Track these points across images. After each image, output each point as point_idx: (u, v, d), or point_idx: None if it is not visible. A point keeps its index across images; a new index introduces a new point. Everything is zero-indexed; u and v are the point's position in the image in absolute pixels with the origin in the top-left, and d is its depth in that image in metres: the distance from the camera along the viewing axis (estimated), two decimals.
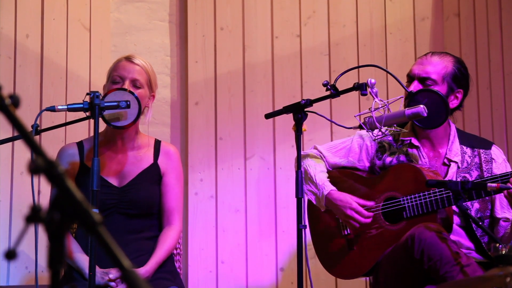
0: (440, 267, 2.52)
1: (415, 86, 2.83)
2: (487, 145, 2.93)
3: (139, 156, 2.92)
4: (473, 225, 2.80)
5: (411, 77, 2.88)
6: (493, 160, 2.88)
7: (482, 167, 2.86)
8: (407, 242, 2.60)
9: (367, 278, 3.44)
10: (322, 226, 3.04)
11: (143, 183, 2.88)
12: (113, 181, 2.87)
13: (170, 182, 2.93)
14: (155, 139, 3.01)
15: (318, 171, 2.96)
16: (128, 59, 2.89)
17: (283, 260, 3.97)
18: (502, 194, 2.68)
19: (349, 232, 2.94)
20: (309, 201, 3.04)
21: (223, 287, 3.92)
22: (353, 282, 3.82)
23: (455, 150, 2.89)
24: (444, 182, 2.56)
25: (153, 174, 2.91)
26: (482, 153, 2.89)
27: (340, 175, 3.01)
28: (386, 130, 2.76)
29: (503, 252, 1.88)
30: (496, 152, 2.91)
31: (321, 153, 3.05)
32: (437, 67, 2.85)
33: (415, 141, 2.91)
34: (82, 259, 2.75)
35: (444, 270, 2.52)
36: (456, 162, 2.87)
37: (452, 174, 2.85)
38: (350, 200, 2.87)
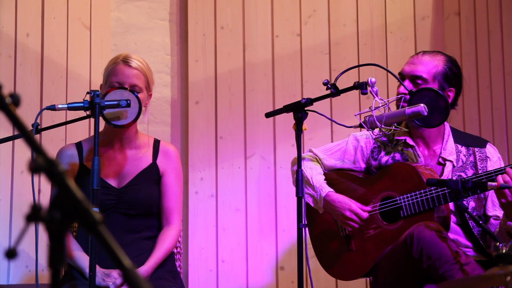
0: (440, 266, 2.52)
1: (406, 85, 2.84)
2: (482, 143, 2.94)
3: (138, 156, 2.91)
4: (470, 223, 2.81)
5: (402, 76, 2.89)
6: (488, 159, 2.89)
7: (477, 166, 2.87)
8: (406, 241, 2.60)
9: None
10: (321, 228, 3.04)
11: (141, 183, 2.87)
12: (112, 182, 2.86)
13: (169, 182, 2.92)
14: (155, 138, 3.00)
15: (315, 173, 2.96)
16: (125, 62, 2.83)
17: (283, 259, 3.97)
18: (494, 192, 2.69)
19: (347, 233, 2.94)
20: (307, 203, 3.03)
21: (224, 286, 3.92)
22: (353, 281, 3.82)
23: (450, 149, 2.89)
24: (444, 181, 2.56)
25: (152, 174, 2.90)
26: (477, 151, 2.89)
27: (337, 177, 3.02)
28: (388, 130, 2.76)
29: (503, 251, 1.88)
30: (490, 150, 2.92)
31: (316, 156, 3.05)
32: (428, 66, 2.86)
33: (409, 141, 2.92)
34: (83, 259, 2.75)
35: (443, 269, 2.52)
36: (451, 161, 2.87)
37: (447, 173, 2.85)
38: (348, 202, 2.87)
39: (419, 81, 2.84)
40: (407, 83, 2.85)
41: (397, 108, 2.75)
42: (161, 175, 2.92)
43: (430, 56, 2.90)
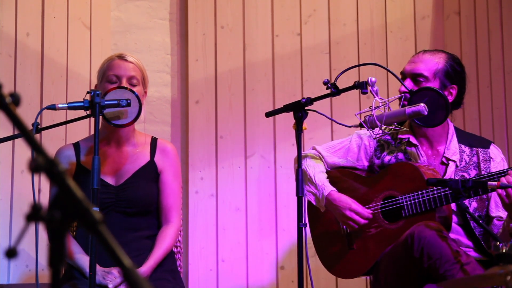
0: (440, 265, 2.52)
1: (407, 84, 2.84)
2: (486, 144, 2.93)
3: (135, 154, 2.91)
4: (472, 224, 2.81)
5: (404, 75, 2.89)
6: (491, 159, 2.88)
7: (480, 166, 2.86)
8: (406, 240, 2.60)
9: (367, 276, 3.44)
10: (323, 226, 3.04)
11: (139, 181, 2.87)
12: (110, 180, 2.86)
13: (168, 180, 2.91)
14: (152, 136, 3.00)
15: (317, 171, 2.96)
16: (121, 57, 2.87)
17: (283, 259, 3.97)
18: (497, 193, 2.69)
19: (348, 232, 2.94)
20: (309, 201, 3.03)
21: (224, 285, 3.92)
22: (353, 281, 3.82)
23: (453, 149, 2.89)
24: (444, 180, 2.56)
25: (149, 172, 2.90)
26: (481, 152, 2.89)
27: (339, 175, 3.01)
28: (388, 129, 2.76)
29: (504, 250, 1.88)
30: (494, 151, 2.92)
31: (319, 153, 3.05)
32: (429, 64, 2.86)
33: (413, 139, 2.91)
34: (83, 258, 2.75)
35: (444, 269, 2.52)
36: (454, 161, 2.87)
37: (450, 173, 2.85)
38: (349, 201, 2.87)
39: (420, 79, 2.84)
40: (408, 82, 2.85)
41: (400, 107, 2.75)
42: (159, 173, 2.92)
43: (431, 54, 2.90)
